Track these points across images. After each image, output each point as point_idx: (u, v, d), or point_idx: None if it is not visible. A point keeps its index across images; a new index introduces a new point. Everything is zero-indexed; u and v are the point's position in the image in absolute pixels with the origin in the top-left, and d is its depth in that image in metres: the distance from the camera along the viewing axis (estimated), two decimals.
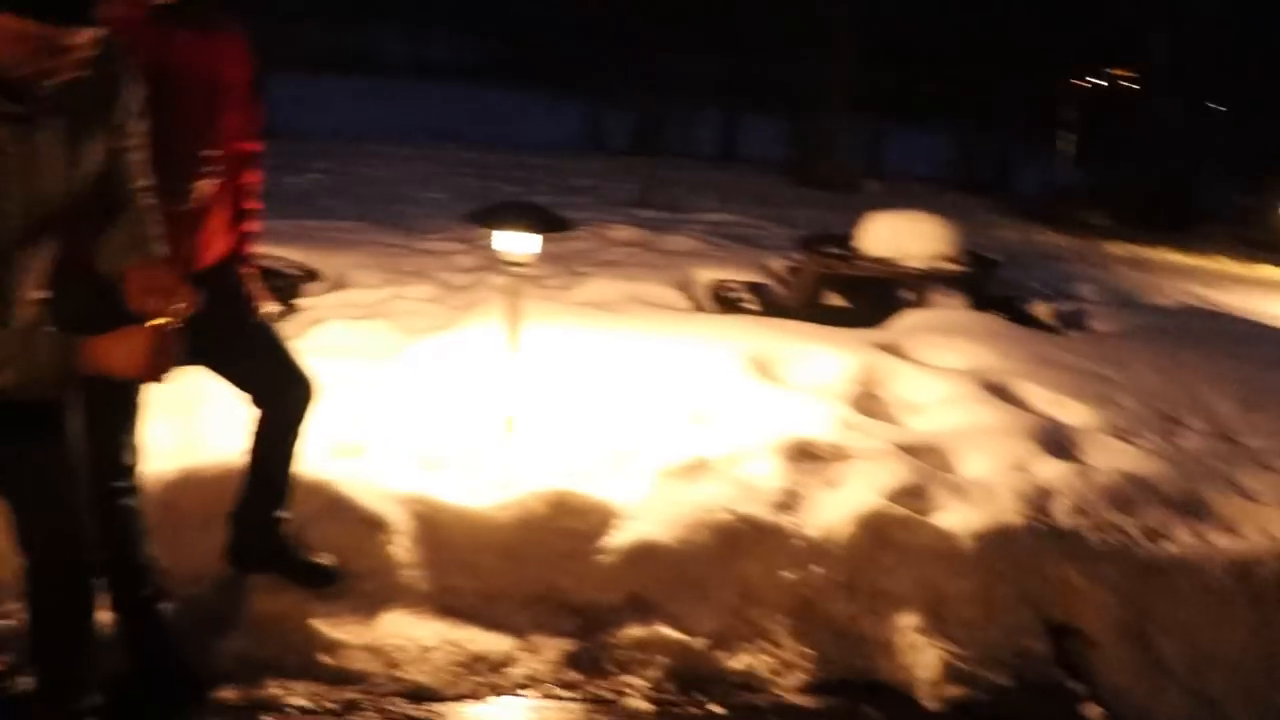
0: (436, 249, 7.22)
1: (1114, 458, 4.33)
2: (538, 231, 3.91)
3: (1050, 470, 4.13)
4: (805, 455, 3.93)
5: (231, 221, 2.78)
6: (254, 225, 2.90)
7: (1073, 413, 4.77)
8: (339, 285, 6.08)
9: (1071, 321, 6.47)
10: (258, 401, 2.86)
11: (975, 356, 5.25)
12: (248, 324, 2.84)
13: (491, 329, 4.99)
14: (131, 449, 2.64)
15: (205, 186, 2.56)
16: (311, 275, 6.04)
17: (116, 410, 2.57)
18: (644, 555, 3.30)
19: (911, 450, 4.17)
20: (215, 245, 2.72)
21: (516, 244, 3.93)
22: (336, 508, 3.31)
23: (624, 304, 5.97)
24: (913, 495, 3.80)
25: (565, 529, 3.37)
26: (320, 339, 5.07)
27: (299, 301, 5.64)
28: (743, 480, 3.66)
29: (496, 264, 6.56)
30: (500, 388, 4.02)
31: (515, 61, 29.82)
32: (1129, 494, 4.04)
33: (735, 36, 18.86)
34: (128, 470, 2.63)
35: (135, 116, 2.11)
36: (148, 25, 2.40)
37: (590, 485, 3.52)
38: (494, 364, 4.37)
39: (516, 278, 3.99)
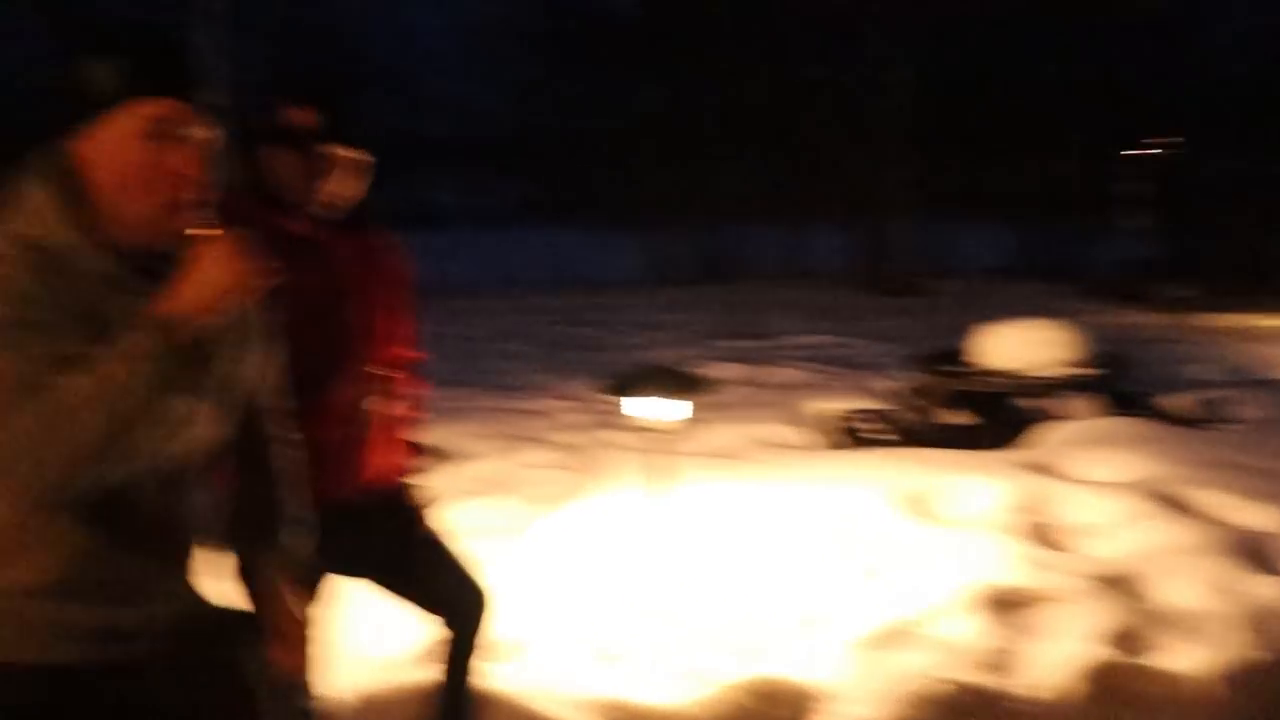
0: (543, 408, 7.05)
1: None
2: (676, 396, 3.71)
3: (1262, 589, 3.73)
4: (999, 604, 3.57)
5: (394, 435, 2.58)
6: (418, 436, 2.69)
7: (1263, 517, 4.37)
8: (456, 458, 5.89)
9: (1217, 412, 6.07)
10: (438, 619, 2.62)
11: (1136, 466, 4.88)
12: (417, 540, 2.61)
13: (625, 493, 4.77)
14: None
15: (371, 404, 2.36)
16: (426, 449, 5.86)
17: None
18: None
19: (1106, 583, 3.80)
20: (379, 463, 2.52)
21: (656, 410, 3.72)
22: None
23: (749, 449, 5.70)
24: (1127, 637, 3.42)
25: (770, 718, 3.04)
26: (449, 522, 4.84)
27: (419, 480, 5.43)
28: (943, 642, 3.32)
29: (608, 419, 6.46)
30: (654, 559, 3.75)
31: (565, 199, 30.32)
32: None
33: (792, 147, 18.92)
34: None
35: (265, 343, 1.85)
36: (309, 237, 2.26)
37: (782, 665, 3.20)
38: (641, 534, 4.13)
39: (655, 443, 3.76)
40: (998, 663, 3.25)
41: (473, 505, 5.05)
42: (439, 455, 5.90)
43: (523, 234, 26.23)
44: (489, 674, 2.91)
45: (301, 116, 2.24)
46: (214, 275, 1.43)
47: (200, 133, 1.48)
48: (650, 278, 19.50)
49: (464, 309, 14.67)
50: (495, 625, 2.70)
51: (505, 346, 11.13)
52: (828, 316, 12.10)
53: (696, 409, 6.39)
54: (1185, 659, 3.29)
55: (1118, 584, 3.80)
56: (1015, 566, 3.85)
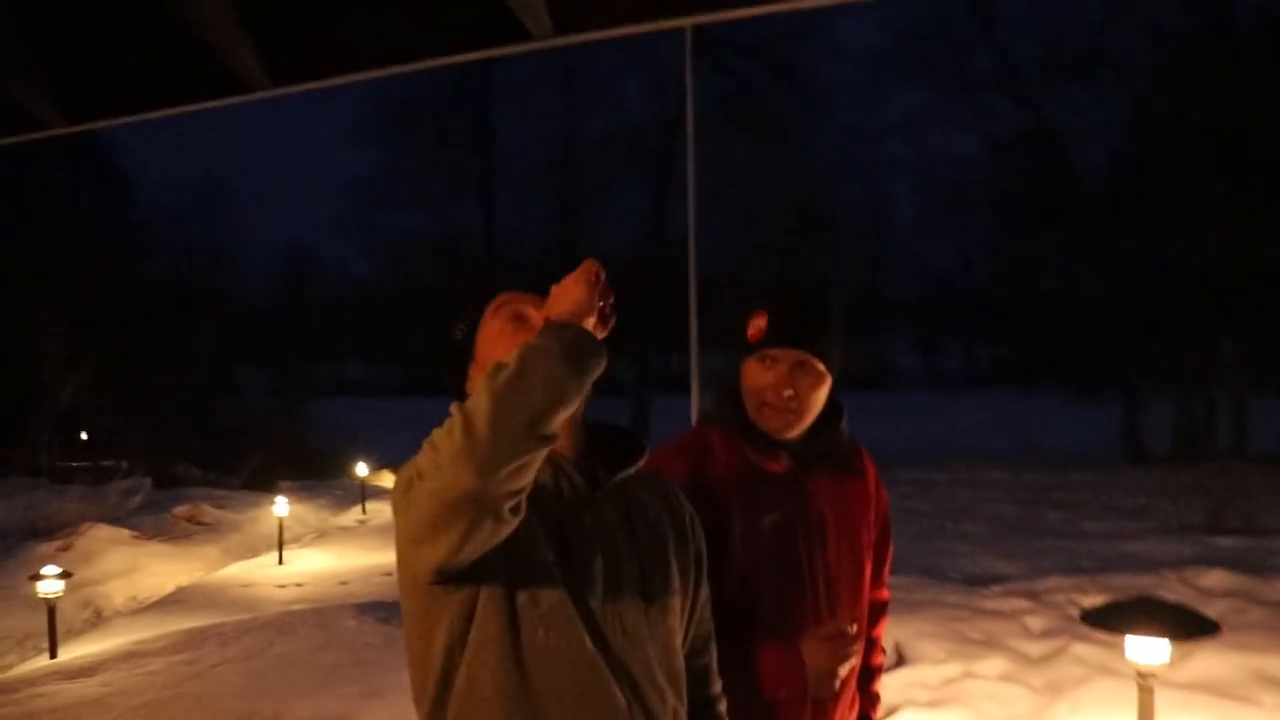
0: (1000, 608, 6.41)
1: None
2: (1177, 637, 3.11)
3: None
4: None
5: (858, 688, 2.30)
6: (878, 680, 2.41)
7: None
8: (905, 660, 5.48)
9: None
10: None
11: None
12: None
13: None
14: None
15: (829, 661, 2.11)
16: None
17: None
18: None
19: None
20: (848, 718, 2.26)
21: (1151, 652, 3.14)
22: None
23: (1251, 687, 4.74)
24: None
25: None
26: None
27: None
28: None
29: (1082, 631, 5.72)
30: None
31: (1031, 363, 28.80)
32: None
33: None
34: None
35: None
36: (786, 475, 2.08)
37: None
38: None
39: (1148, 690, 3.16)
40: None
41: (919, 718, 4.64)
42: (890, 659, 5.52)
43: (982, 399, 25.25)
44: None
45: (754, 323, 2.08)
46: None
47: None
48: (1123, 454, 17.73)
49: (915, 479, 14.21)
50: None
51: (960, 527, 10.50)
52: None
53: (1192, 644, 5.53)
54: None
55: None
56: None
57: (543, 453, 1.38)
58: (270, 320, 37.94)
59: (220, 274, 28.82)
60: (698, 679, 1.75)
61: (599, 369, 1.42)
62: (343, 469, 18.44)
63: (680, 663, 1.67)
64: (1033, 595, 6.67)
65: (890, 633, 5.69)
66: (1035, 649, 5.60)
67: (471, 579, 1.48)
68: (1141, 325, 18.05)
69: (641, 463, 1.70)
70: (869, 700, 2.35)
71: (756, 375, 2.07)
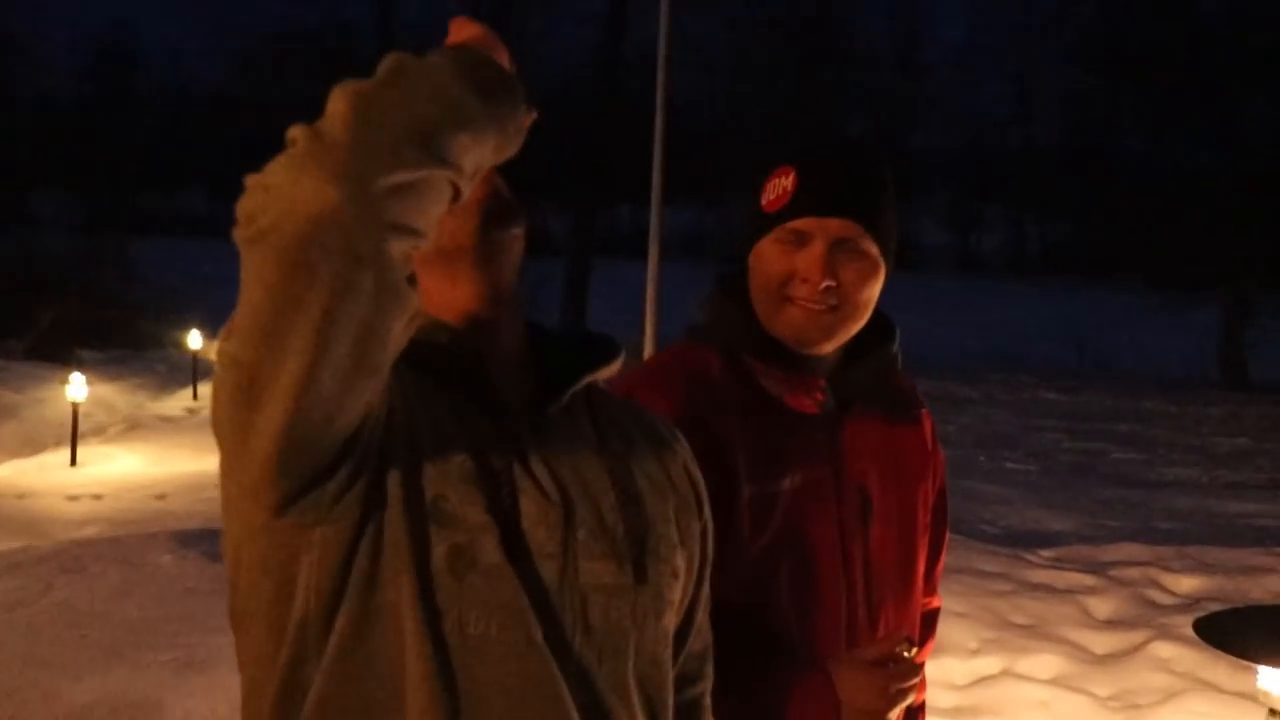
0: (1053, 583, 6.36)
1: None
2: None
3: None
4: None
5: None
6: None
7: None
8: (932, 649, 5.38)
9: None
10: None
11: None
12: None
13: None
14: None
15: (896, 713, 1.92)
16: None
17: None
18: None
19: None
20: None
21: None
22: None
23: None
24: None
25: None
26: None
27: None
28: None
29: (1167, 625, 5.65)
30: None
31: (1102, 249, 28.91)
32: None
33: None
34: None
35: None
36: (816, 418, 1.91)
37: None
38: None
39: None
40: None
41: None
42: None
43: (1033, 294, 25.40)
44: None
45: (776, 185, 1.89)
46: None
47: None
48: (1219, 378, 17.86)
49: (941, 395, 14.19)
50: None
51: (1001, 464, 10.50)
52: None
53: None
54: None
55: None
56: None
57: (442, 186, 1.18)
58: (78, 131, 37.10)
59: (7, 63, 27.93)
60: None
61: (513, 108, 1.25)
62: (169, 337, 18.12)
63: (668, 687, 1.48)
64: (1098, 567, 6.64)
65: None
66: (1101, 643, 5.58)
67: (352, 504, 1.24)
68: (1259, 212, 17.99)
69: (615, 365, 1.51)
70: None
71: (777, 259, 1.87)
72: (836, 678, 1.82)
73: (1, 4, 35.09)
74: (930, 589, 2.18)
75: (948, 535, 2.20)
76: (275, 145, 1.15)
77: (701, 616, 1.61)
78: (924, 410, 2.11)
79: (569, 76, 27.00)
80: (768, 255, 1.88)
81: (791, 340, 1.89)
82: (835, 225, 1.84)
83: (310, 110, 1.16)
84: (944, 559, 2.22)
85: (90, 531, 7.52)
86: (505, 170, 1.37)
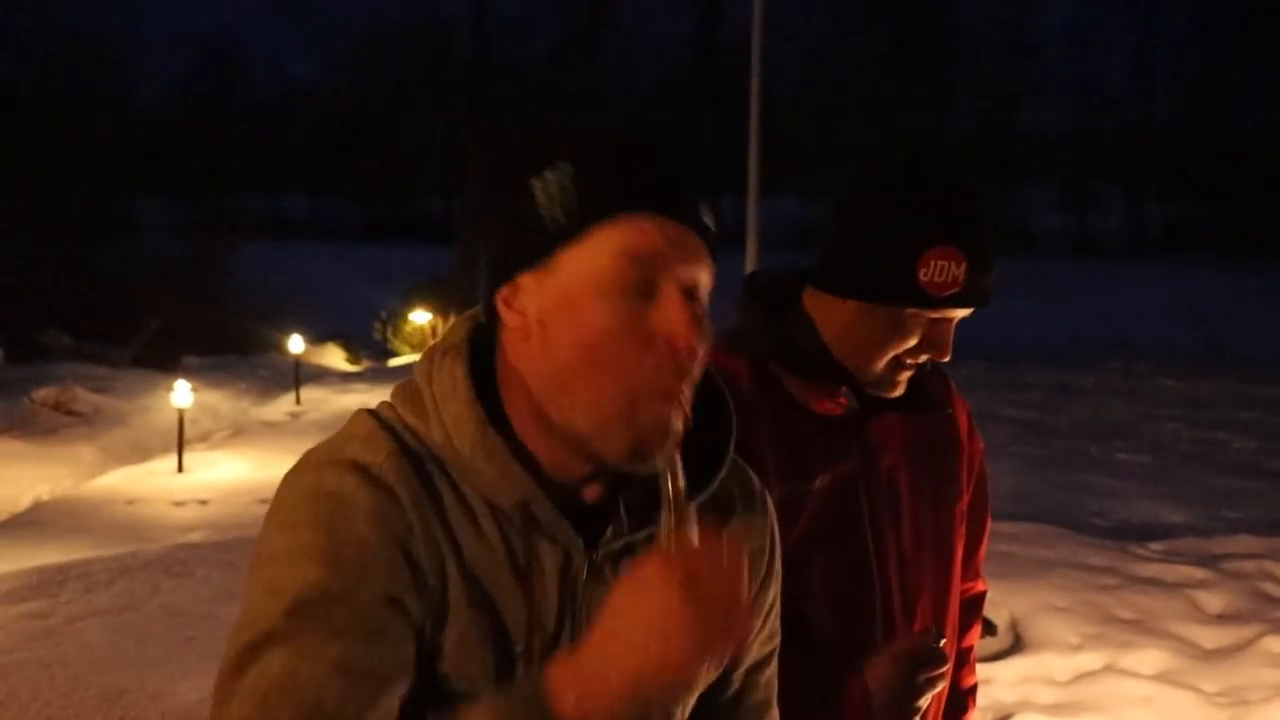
0: (1162, 577, 6.30)
1: None
2: None
3: None
4: None
5: (943, 708, 2.20)
6: (972, 671, 2.30)
7: None
8: (1021, 645, 5.38)
9: None
10: None
11: None
12: None
13: None
14: None
15: (925, 700, 1.97)
16: (984, 626, 5.40)
17: None
18: None
19: None
20: None
21: None
22: None
23: None
24: None
25: None
26: None
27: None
28: None
29: (1266, 611, 5.60)
30: None
31: (1226, 230, 28.32)
32: None
33: None
34: None
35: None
36: (847, 421, 1.96)
37: None
38: None
39: None
40: None
41: None
42: (996, 633, 5.45)
43: (1152, 277, 24.92)
44: None
45: (944, 268, 1.84)
46: (657, 628, 1.07)
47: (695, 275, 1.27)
48: None
49: (1049, 383, 14.08)
50: None
51: (1111, 455, 10.37)
52: None
53: None
54: None
55: None
56: None
57: None
58: (177, 136, 37.90)
59: (107, 72, 28.63)
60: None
61: None
62: (271, 342, 18.51)
63: None
64: (1211, 560, 6.55)
65: (1004, 604, 5.64)
66: (1211, 638, 5.52)
67: None
68: None
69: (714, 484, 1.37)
70: (959, 704, 2.27)
71: (900, 328, 1.87)
72: (868, 672, 1.88)
73: (103, 10, 36.00)
74: (972, 574, 2.23)
75: (989, 521, 2.23)
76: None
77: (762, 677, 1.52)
78: (958, 401, 2.14)
79: (665, 68, 27.06)
80: (901, 324, 1.87)
81: (876, 390, 1.94)
82: (968, 312, 1.89)
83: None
84: (985, 545, 2.25)
85: (195, 536, 7.76)
86: None
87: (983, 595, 2.30)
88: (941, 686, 1.98)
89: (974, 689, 2.31)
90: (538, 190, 1.23)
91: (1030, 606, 5.72)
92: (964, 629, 2.23)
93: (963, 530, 2.12)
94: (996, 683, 5.03)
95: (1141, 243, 42.88)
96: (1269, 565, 6.53)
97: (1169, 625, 5.64)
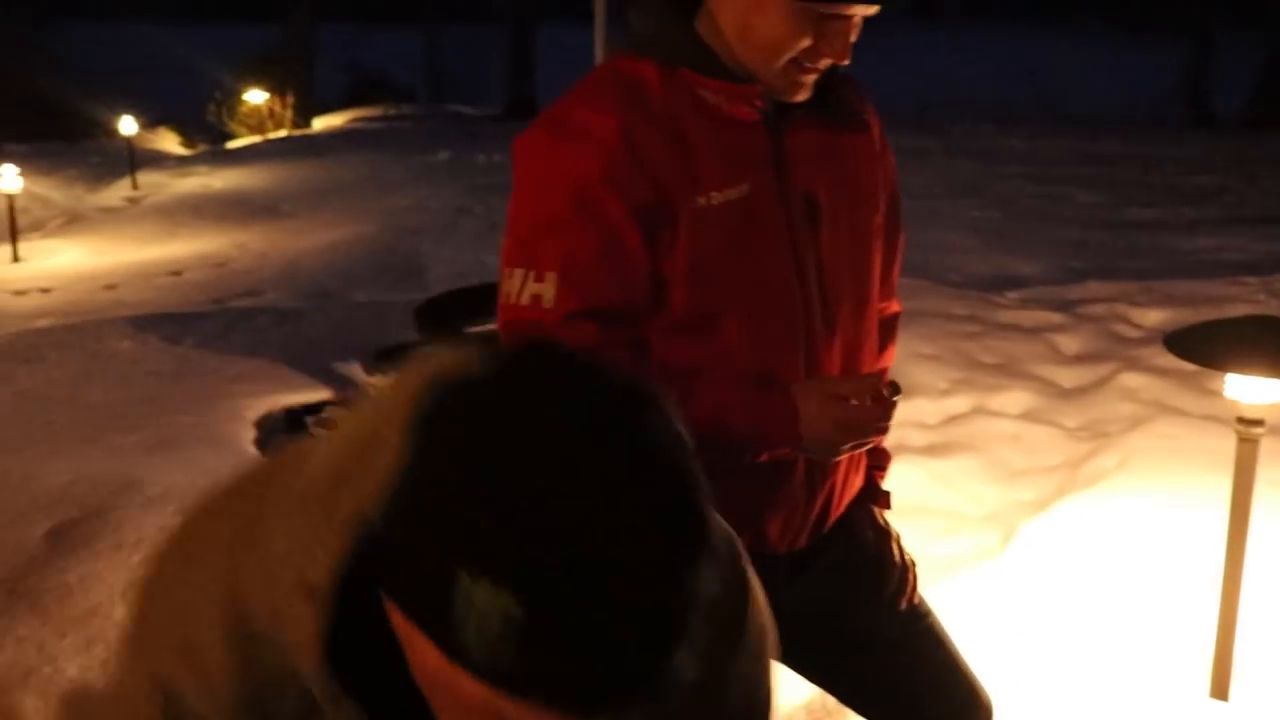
0: (1021, 323, 6.47)
1: None
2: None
3: None
4: None
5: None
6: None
7: None
8: (902, 394, 5.50)
9: None
10: None
11: None
12: (892, 611, 2.23)
13: (1159, 487, 4.22)
14: None
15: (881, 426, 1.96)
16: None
17: None
18: None
19: None
20: (850, 488, 2.16)
21: (1264, 393, 3.08)
22: None
23: None
24: None
25: None
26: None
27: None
28: None
29: (1139, 358, 5.78)
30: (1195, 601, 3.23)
31: None
32: None
33: None
34: None
35: None
36: (757, 126, 1.89)
37: None
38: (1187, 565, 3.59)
39: (1252, 443, 3.14)
40: None
41: (912, 470, 4.69)
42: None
43: (991, 37, 25.09)
44: None
45: None
46: None
47: None
48: (1183, 116, 17.87)
49: (900, 147, 14.04)
50: None
51: (960, 212, 10.54)
52: None
53: None
54: None
55: None
56: None
57: None
58: None
59: None
60: None
61: None
62: (99, 127, 17.75)
63: None
64: (1065, 305, 6.75)
65: None
66: (1070, 378, 5.71)
67: None
68: None
69: None
70: (879, 456, 2.29)
71: (800, 27, 1.81)
72: (799, 397, 1.86)
73: None
74: (888, 293, 2.22)
75: (903, 239, 2.21)
76: None
77: None
78: (870, 110, 2.09)
79: None
80: (789, 18, 1.80)
81: (779, 94, 1.88)
82: (871, 10, 1.81)
83: None
84: (899, 265, 2.23)
85: (44, 323, 7.51)
86: None
87: (897, 316, 2.29)
88: (876, 441, 1.98)
89: (888, 456, 2.32)
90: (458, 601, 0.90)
91: (899, 355, 5.75)
92: (881, 347, 2.23)
93: (879, 244, 2.10)
94: None
95: (977, 4, 43.07)
96: (1119, 308, 6.75)
97: (1031, 367, 5.82)
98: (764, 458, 1.90)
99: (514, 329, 1.84)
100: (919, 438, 5.07)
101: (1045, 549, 3.96)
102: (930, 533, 4.23)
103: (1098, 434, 4.95)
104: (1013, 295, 7.12)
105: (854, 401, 1.88)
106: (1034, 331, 6.31)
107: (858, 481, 2.20)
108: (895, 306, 2.29)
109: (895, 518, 4.12)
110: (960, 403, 5.39)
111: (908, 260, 7.77)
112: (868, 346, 2.10)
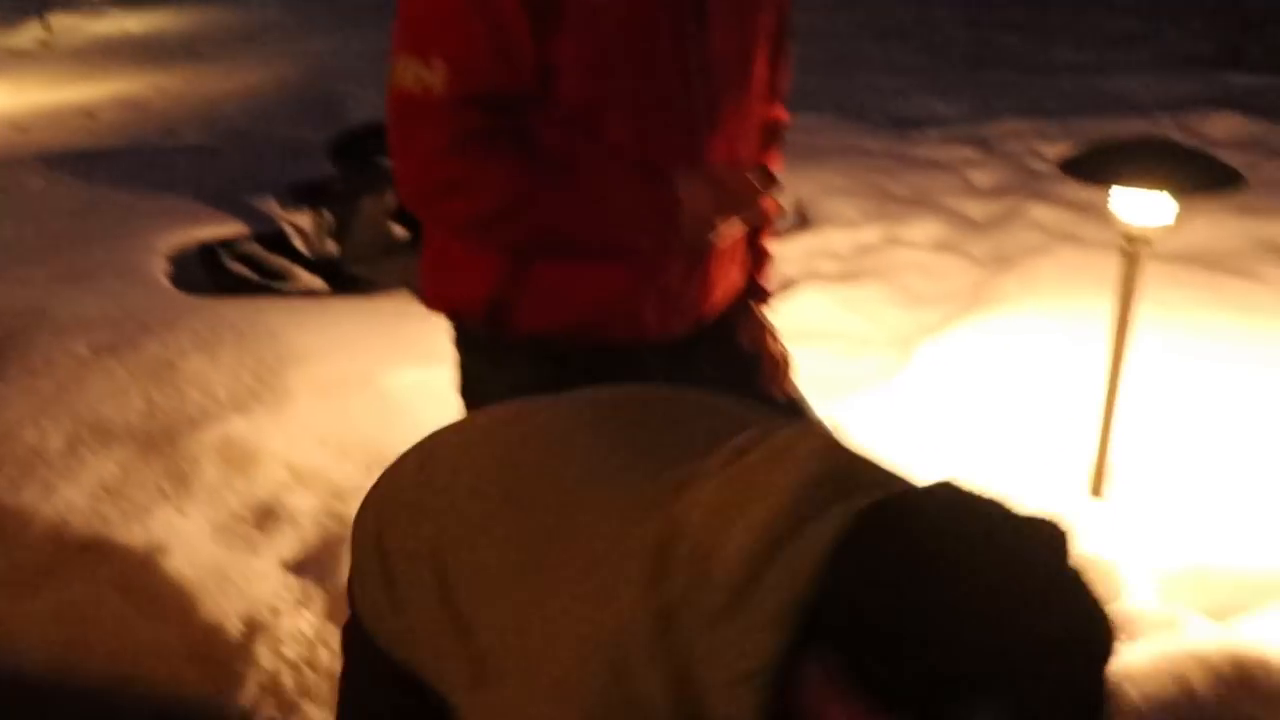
0: (937, 157, 6.53)
1: None
2: (1186, 190, 3.13)
3: None
4: None
5: (746, 237, 2.27)
6: (772, 235, 2.37)
7: None
8: (805, 224, 5.56)
9: None
10: None
11: None
12: (769, 402, 2.32)
13: (1054, 309, 4.34)
14: None
15: (753, 210, 2.03)
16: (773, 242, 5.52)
17: None
18: None
19: None
20: (729, 280, 2.23)
21: (1143, 209, 3.18)
22: None
23: (1253, 258, 5.00)
24: None
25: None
26: (788, 316, 4.58)
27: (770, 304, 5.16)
28: None
29: (1042, 189, 5.85)
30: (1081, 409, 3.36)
31: None
32: None
33: None
34: None
35: None
36: None
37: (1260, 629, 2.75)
38: (1080, 381, 3.72)
39: (1135, 258, 3.24)
40: None
41: (823, 297, 4.78)
42: (790, 214, 5.59)
43: None
44: None
45: None
46: None
47: None
48: None
49: None
50: None
51: (889, 54, 10.50)
52: None
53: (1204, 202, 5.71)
54: None
55: None
56: None
57: None
58: None
59: None
60: None
61: None
62: None
63: None
64: (980, 142, 6.80)
65: (790, 189, 5.76)
66: (980, 210, 5.79)
67: None
68: None
69: None
70: (759, 257, 2.35)
71: None
72: (679, 184, 1.93)
73: None
74: (775, 99, 2.27)
75: (790, 46, 2.24)
76: None
77: None
78: None
79: None
80: None
81: None
82: None
83: None
84: (788, 74, 2.28)
85: None
86: None
87: (785, 124, 2.34)
88: (752, 218, 2.04)
89: (773, 212, 2.38)
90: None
91: (814, 189, 5.86)
92: (764, 148, 2.28)
93: (766, 47, 2.13)
94: (783, 259, 5.17)
95: None
96: (1033, 144, 6.81)
97: (942, 200, 5.88)
98: (644, 244, 1.97)
99: (401, 113, 1.88)
100: (830, 266, 5.15)
101: (943, 366, 4.08)
102: (838, 355, 4.34)
103: (1002, 262, 5.03)
104: (931, 133, 7.16)
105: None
106: (947, 166, 6.37)
107: (736, 275, 2.27)
108: (783, 114, 2.34)
109: (807, 341, 4.25)
110: (871, 233, 5.46)
111: (829, 100, 7.78)
112: (749, 144, 2.15)
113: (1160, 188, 3.07)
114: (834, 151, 6.48)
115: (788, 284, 4.86)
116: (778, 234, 2.43)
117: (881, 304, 4.76)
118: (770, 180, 2.02)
